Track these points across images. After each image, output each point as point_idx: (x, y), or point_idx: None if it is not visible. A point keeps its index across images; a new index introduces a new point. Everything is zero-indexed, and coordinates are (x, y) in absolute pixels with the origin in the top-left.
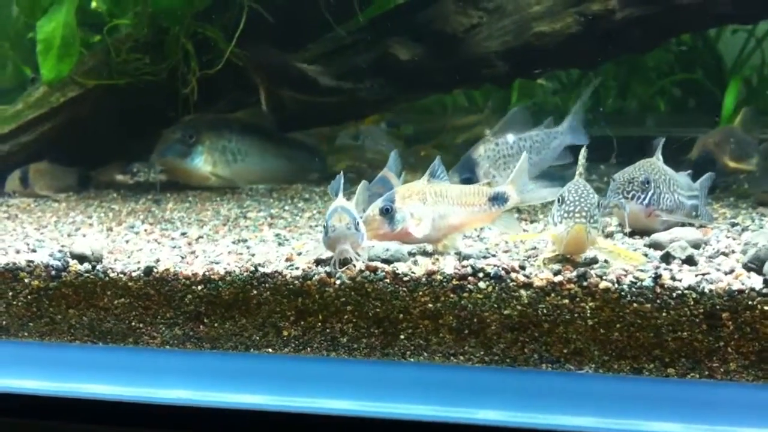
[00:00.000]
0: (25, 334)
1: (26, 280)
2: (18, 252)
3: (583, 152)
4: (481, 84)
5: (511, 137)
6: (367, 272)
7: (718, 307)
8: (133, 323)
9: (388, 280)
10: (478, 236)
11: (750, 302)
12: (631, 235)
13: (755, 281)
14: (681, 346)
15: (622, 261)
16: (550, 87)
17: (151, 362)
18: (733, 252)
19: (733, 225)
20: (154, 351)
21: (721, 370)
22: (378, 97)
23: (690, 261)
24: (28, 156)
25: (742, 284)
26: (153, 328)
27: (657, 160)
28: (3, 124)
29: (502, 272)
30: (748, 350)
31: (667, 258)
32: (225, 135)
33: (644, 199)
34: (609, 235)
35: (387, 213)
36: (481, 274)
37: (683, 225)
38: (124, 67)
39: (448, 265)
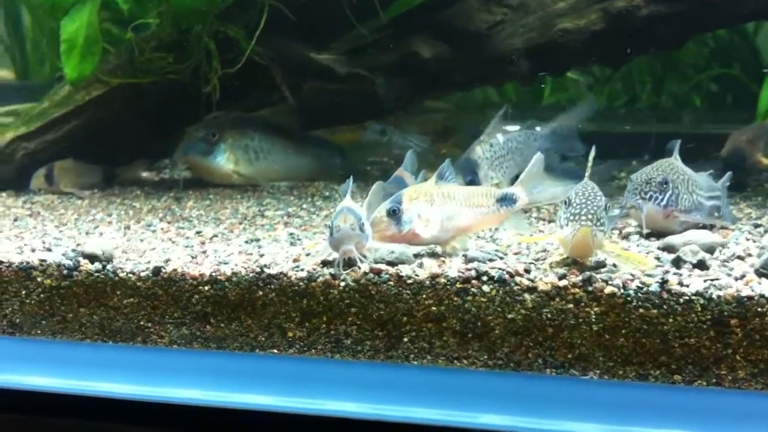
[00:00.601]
0: (38, 331)
1: (39, 279)
2: (33, 251)
3: (591, 153)
4: (505, 82)
5: (501, 138)
6: (372, 274)
7: (726, 313)
8: (141, 322)
9: (392, 283)
10: (491, 237)
11: (759, 309)
12: (648, 236)
13: (765, 287)
14: (688, 353)
15: (630, 265)
16: (582, 81)
17: (159, 361)
18: (750, 255)
19: (756, 226)
20: (161, 350)
21: (729, 378)
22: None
23: (701, 265)
24: (54, 154)
25: (752, 291)
26: (161, 328)
27: (675, 160)
28: (29, 122)
29: (506, 276)
30: (757, 358)
31: (677, 262)
32: (248, 133)
33: (662, 200)
34: (626, 237)
35: (394, 214)
36: (485, 278)
37: (703, 227)
38: (148, 65)
39: (452, 268)
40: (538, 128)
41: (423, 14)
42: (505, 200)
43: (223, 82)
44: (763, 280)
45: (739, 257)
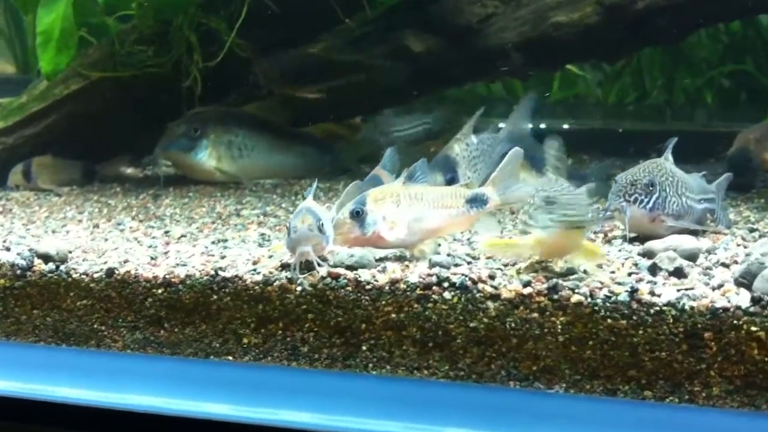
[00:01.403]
0: None
1: None
2: None
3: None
4: (498, 77)
5: (475, 138)
6: (329, 279)
7: (699, 325)
8: (95, 325)
9: (350, 288)
10: (468, 239)
11: (735, 322)
12: (632, 241)
13: (743, 298)
14: (659, 367)
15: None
16: (588, 77)
17: (113, 366)
18: (736, 263)
19: (752, 231)
20: (115, 355)
21: (703, 394)
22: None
23: (678, 273)
24: (33, 149)
25: (728, 301)
26: (114, 331)
27: (665, 161)
28: (8, 116)
29: (469, 282)
30: (733, 374)
31: (654, 269)
32: (232, 129)
33: (648, 203)
34: (609, 241)
35: (358, 216)
36: (446, 284)
37: (695, 232)
38: (129, 59)
39: (414, 274)
40: (500, 133)
41: (413, 7)
42: (476, 201)
43: (209, 75)
44: (742, 290)
45: (724, 264)
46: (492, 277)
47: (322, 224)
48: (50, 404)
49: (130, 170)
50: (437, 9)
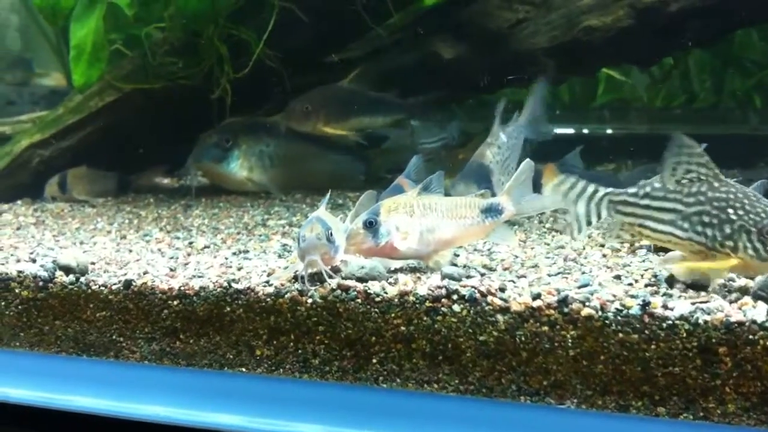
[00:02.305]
0: (17, 343)
1: (17, 291)
2: (18, 261)
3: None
4: (529, 82)
5: (504, 137)
6: (339, 291)
7: (714, 340)
8: (113, 337)
9: (359, 300)
10: (488, 250)
11: (751, 336)
12: (657, 251)
13: (759, 312)
14: (672, 383)
15: None
16: (630, 82)
17: (131, 377)
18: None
19: None
20: (133, 366)
21: (718, 411)
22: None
23: (696, 285)
24: (69, 160)
25: (744, 316)
26: (132, 343)
27: None
28: (44, 129)
29: (478, 295)
30: (749, 390)
31: (671, 281)
32: (263, 139)
33: None
34: (634, 251)
35: (371, 226)
36: (455, 297)
37: None
38: (160, 71)
39: (423, 286)
40: (520, 120)
41: (443, 13)
42: (491, 211)
43: (244, 85)
44: (759, 303)
45: (748, 276)
46: (502, 290)
47: (331, 233)
48: (70, 414)
49: (165, 181)
50: (467, 15)
